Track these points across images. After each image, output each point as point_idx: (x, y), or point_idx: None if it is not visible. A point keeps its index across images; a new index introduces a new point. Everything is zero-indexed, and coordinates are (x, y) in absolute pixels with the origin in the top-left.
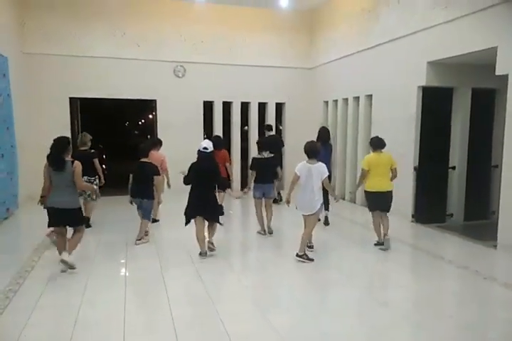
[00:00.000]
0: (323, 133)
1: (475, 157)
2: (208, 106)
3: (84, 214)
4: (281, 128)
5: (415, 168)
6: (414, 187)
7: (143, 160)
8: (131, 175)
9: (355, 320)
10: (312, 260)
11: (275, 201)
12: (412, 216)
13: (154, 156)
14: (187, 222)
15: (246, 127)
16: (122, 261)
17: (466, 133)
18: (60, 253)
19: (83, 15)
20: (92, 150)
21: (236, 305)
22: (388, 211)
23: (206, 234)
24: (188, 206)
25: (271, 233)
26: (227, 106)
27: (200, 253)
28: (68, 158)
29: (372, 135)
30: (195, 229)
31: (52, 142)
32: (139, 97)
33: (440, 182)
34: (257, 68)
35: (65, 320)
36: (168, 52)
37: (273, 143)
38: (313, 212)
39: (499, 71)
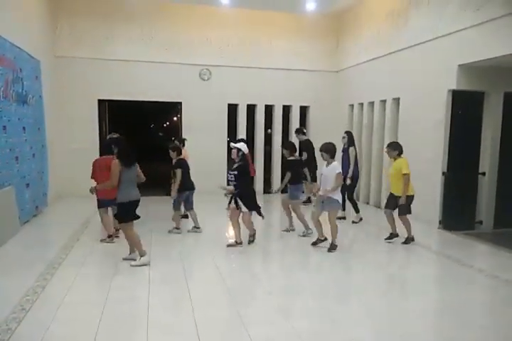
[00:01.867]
0: (350, 136)
1: (506, 163)
2: (233, 109)
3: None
4: (305, 131)
5: (444, 173)
6: (442, 193)
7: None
8: (180, 170)
9: (379, 327)
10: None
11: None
12: (439, 222)
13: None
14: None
15: (269, 130)
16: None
17: (498, 139)
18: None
19: (113, 19)
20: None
21: (258, 309)
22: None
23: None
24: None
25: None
26: (251, 109)
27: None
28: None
29: (400, 139)
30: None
31: (119, 141)
32: (164, 100)
33: (469, 188)
34: (282, 71)
35: (90, 316)
36: (195, 56)
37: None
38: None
39: None
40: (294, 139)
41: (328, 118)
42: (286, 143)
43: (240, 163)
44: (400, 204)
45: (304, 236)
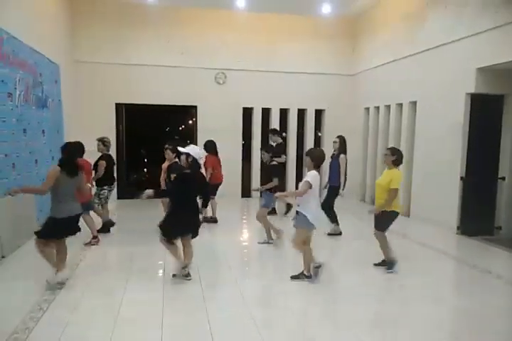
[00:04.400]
0: (342, 142)
1: None
2: (248, 113)
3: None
4: (320, 135)
5: (462, 178)
6: (460, 198)
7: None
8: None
9: (396, 332)
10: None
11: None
12: (458, 227)
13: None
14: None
15: (284, 133)
16: (160, 262)
17: None
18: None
19: (130, 24)
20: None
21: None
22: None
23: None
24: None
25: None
26: (266, 112)
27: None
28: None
29: (417, 144)
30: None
31: (67, 145)
32: (180, 103)
33: (488, 193)
34: (298, 75)
35: (104, 319)
36: (210, 60)
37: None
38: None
39: None
40: (309, 143)
41: (344, 121)
42: (267, 147)
43: (181, 172)
44: (375, 216)
45: (263, 243)
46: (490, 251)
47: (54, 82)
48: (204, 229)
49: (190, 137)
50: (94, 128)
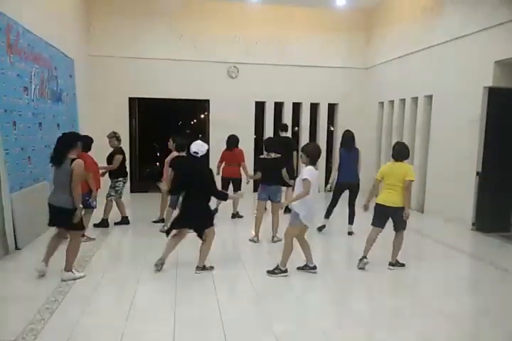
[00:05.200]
0: (348, 138)
1: None
2: (260, 107)
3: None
4: (332, 129)
5: (478, 173)
6: (476, 193)
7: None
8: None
9: (411, 330)
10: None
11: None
12: (473, 224)
13: None
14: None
15: (296, 128)
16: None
17: None
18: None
19: (143, 18)
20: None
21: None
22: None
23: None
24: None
25: (275, 241)
26: (278, 106)
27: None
28: (72, 155)
29: (432, 139)
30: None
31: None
32: (193, 97)
33: (505, 189)
34: (311, 68)
35: (121, 307)
36: (223, 54)
37: (282, 144)
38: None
39: None
40: (321, 138)
41: (357, 116)
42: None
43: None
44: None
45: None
46: (506, 248)
47: (69, 76)
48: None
49: (202, 131)
50: (107, 122)
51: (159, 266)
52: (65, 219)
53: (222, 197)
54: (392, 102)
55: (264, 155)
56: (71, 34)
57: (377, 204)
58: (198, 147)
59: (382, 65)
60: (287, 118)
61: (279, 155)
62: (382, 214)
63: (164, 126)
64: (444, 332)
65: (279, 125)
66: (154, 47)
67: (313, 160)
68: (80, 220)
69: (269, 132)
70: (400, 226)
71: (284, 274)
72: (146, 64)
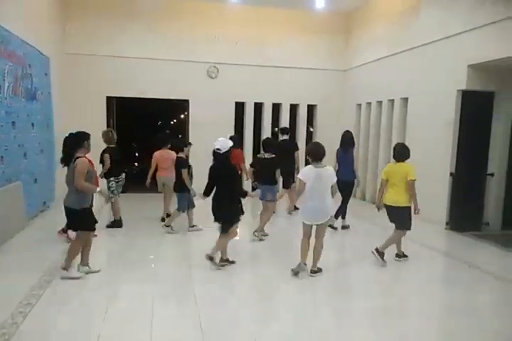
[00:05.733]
0: (347, 138)
1: None
2: (240, 107)
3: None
4: (311, 130)
5: (451, 174)
6: (450, 194)
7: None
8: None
9: (384, 330)
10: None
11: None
12: (447, 223)
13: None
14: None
15: (276, 128)
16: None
17: (507, 140)
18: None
19: (121, 17)
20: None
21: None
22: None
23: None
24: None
25: (260, 238)
26: (258, 107)
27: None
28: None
29: (408, 139)
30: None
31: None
32: (172, 97)
33: (477, 189)
34: (290, 70)
35: (91, 316)
36: (202, 54)
37: (280, 146)
38: (325, 221)
39: None
40: (301, 138)
41: (336, 117)
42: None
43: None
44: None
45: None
46: (478, 247)
47: (44, 75)
48: None
49: (182, 131)
50: (84, 122)
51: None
52: (73, 220)
53: (243, 194)
54: (369, 104)
55: (261, 154)
56: (47, 31)
57: (384, 204)
58: (221, 143)
59: (360, 67)
60: (267, 119)
61: (273, 156)
62: (389, 214)
63: (143, 126)
64: (420, 331)
65: (279, 128)
66: (133, 46)
67: (314, 159)
68: (87, 221)
69: (248, 132)
70: (401, 225)
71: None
72: (124, 63)
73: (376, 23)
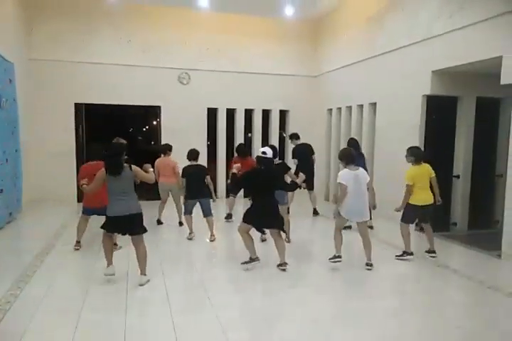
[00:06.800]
0: (353, 144)
1: (479, 166)
2: (212, 113)
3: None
4: (284, 135)
5: None
6: None
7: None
8: (184, 179)
9: (361, 330)
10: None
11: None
12: (416, 224)
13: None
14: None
15: (249, 134)
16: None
17: (471, 142)
18: (108, 263)
19: (89, 22)
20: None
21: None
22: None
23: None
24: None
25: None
26: (231, 113)
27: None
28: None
29: (377, 143)
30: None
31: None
32: (143, 103)
33: (444, 191)
34: (262, 76)
35: (65, 324)
36: (173, 59)
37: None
38: (367, 218)
39: (504, 80)
40: (273, 142)
41: (308, 122)
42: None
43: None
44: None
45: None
46: (446, 247)
47: (8, 81)
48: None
49: (155, 138)
50: (53, 129)
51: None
52: (142, 224)
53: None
54: (339, 109)
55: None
56: (11, 37)
57: (415, 205)
58: (265, 149)
59: (329, 73)
60: (239, 125)
61: (281, 161)
62: (417, 213)
63: (114, 133)
64: (392, 331)
65: (291, 135)
66: (102, 52)
67: (348, 162)
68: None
69: (221, 138)
70: (429, 218)
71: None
72: (93, 69)
73: (344, 29)
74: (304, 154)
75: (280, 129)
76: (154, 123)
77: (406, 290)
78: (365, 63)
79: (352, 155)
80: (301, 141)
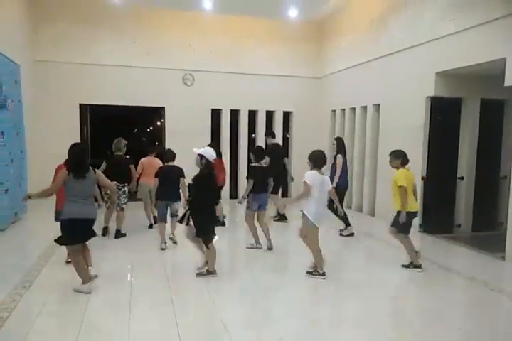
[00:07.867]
0: (339, 144)
1: (483, 168)
2: (216, 114)
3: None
4: (288, 136)
5: (423, 178)
6: (422, 197)
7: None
8: (157, 179)
9: (361, 330)
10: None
11: (283, 218)
12: (420, 226)
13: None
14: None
15: (253, 135)
16: (128, 266)
17: (475, 144)
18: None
19: (94, 24)
20: (127, 156)
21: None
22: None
23: None
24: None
25: (270, 248)
26: (234, 114)
27: None
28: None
29: (380, 145)
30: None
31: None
32: (147, 104)
33: (448, 193)
34: (266, 77)
35: (69, 326)
36: (178, 61)
37: (273, 152)
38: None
39: (508, 82)
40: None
41: (311, 123)
42: (253, 148)
43: (199, 173)
44: (394, 219)
45: (250, 248)
46: (450, 248)
47: (14, 82)
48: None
49: (159, 138)
50: (57, 130)
51: None
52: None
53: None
54: (343, 111)
55: (256, 163)
56: (17, 39)
57: (409, 212)
58: (209, 153)
59: (333, 75)
60: (244, 126)
61: (269, 164)
62: (410, 221)
63: (118, 134)
64: (394, 333)
65: (266, 132)
66: (106, 54)
67: (316, 166)
68: None
69: (225, 139)
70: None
71: (322, 277)
72: (98, 70)
73: (348, 31)
74: (278, 155)
75: (284, 130)
76: (158, 124)
77: (409, 291)
78: (369, 65)
79: (323, 160)
80: (303, 141)
